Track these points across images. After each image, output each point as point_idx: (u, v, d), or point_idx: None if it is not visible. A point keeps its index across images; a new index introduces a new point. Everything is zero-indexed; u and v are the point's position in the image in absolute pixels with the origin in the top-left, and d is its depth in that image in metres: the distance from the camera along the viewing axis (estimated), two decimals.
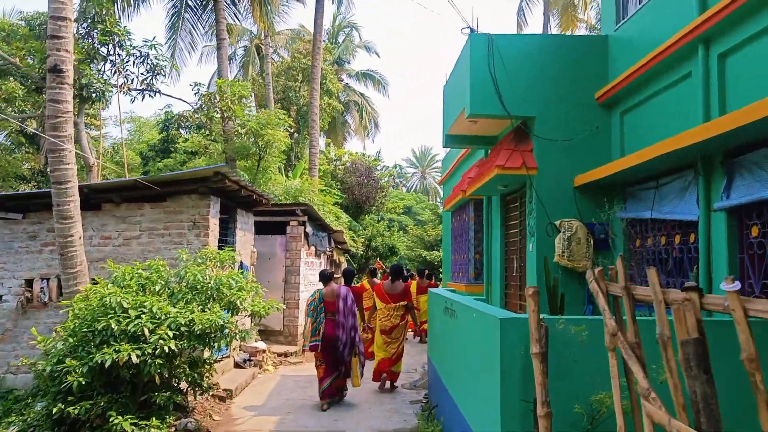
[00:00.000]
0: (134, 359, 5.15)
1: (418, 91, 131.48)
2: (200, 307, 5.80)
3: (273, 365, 10.16)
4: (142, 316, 5.46)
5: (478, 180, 9.22)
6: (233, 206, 9.42)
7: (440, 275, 26.55)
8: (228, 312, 6.11)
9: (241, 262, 9.52)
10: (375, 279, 11.68)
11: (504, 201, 9.94)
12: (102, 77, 11.65)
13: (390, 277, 9.19)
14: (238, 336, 6.10)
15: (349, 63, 44.68)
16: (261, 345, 9.96)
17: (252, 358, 9.63)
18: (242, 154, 17.17)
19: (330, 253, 14.04)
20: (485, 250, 10.60)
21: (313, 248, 12.55)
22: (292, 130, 25.66)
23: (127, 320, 5.40)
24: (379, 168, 27.00)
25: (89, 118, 21.47)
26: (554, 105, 8.03)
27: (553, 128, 7.99)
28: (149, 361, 5.25)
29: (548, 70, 8.11)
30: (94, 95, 11.39)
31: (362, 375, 8.29)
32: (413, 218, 40.80)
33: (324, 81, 28.08)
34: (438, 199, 53.96)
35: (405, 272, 10.44)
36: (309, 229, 12.04)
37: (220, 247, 8.38)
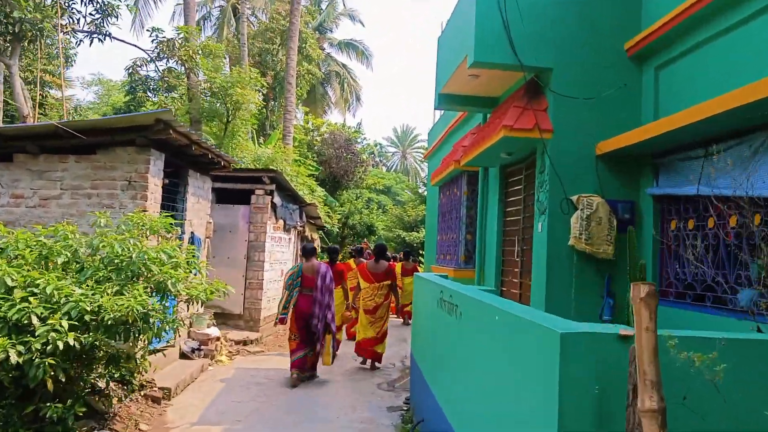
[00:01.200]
0: (13, 358, 3.73)
1: (402, 65, 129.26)
2: (116, 288, 4.37)
3: (228, 356, 8.78)
4: (31, 299, 4.03)
5: (477, 146, 7.88)
6: (185, 167, 7.96)
7: (421, 257, 25.42)
8: (157, 295, 4.69)
9: (192, 233, 8.09)
10: (362, 259, 11.10)
11: (504, 173, 8.63)
12: (41, 12, 9.95)
13: (374, 257, 9.08)
14: (169, 326, 4.70)
15: (331, 32, 42.81)
16: (214, 332, 8.57)
17: (202, 347, 8.25)
18: (208, 115, 15.60)
19: (301, 228, 12.63)
20: (479, 230, 9.32)
21: (281, 222, 11.13)
22: (265, 91, 23.99)
23: (9, 304, 3.97)
24: (359, 141, 25.47)
25: (50, 76, 19.60)
26: (575, 55, 6.69)
27: (573, 84, 6.66)
28: (36, 360, 3.83)
29: (569, 12, 6.76)
30: (29, 33, 9.72)
31: (335, 355, 8.38)
32: (393, 198, 39.61)
33: (304, 45, 26.38)
34: (418, 180, 52.51)
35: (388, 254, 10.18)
36: (277, 199, 10.61)
37: (165, 214, 6.93)
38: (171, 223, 5.56)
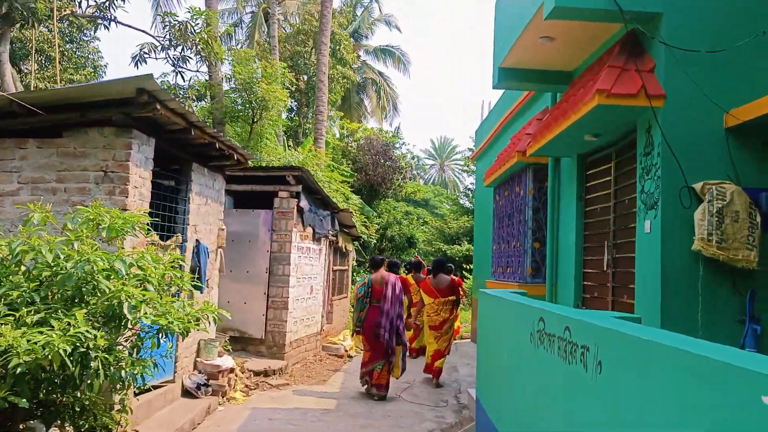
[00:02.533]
0: None
1: (441, 72, 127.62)
2: (39, 316, 2.89)
3: (244, 391, 7.29)
4: None
5: (551, 128, 6.24)
6: (188, 160, 6.55)
7: (462, 272, 23.68)
8: (107, 325, 3.19)
9: (197, 242, 6.65)
10: (420, 275, 10.97)
11: (583, 164, 6.96)
12: None
13: (433, 272, 9.21)
14: (128, 376, 3.20)
15: (366, 38, 41.73)
16: (227, 362, 7.09)
17: (211, 381, 6.77)
18: (233, 114, 14.32)
19: (334, 238, 11.13)
20: (549, 236, 7.64)
21: (309, 229, 9.64)
22: (297, 96, 22.75)
23: None
24: (398, 146, 23.94)
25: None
26: None
27: (691, 33, 5.00)
28: None
29: None
30: (20, 15, 8.56)
31: (404, 369, 8.28)
32: (431, 211, 38.00)
33: (337, 47, 25.13)
34: (458, 192, 50.43)
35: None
36: (304, 203, 9.13)
37: (156, 215, 5.52)
38: (148, 223, 4.07)
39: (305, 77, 24.59)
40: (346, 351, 10.89)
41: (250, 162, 7.94)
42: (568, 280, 7.14)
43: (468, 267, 24.97)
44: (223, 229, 7.55)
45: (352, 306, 16.29)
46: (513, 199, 8.74)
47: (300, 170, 8.75)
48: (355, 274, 17.36)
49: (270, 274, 8.83)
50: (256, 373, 8.01)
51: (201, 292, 6.70)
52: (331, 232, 10.74)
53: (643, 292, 5.06)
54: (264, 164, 12.26)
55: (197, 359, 6.94)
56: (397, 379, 8.14)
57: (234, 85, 14.37)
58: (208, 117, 14.24)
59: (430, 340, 8.93)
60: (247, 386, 7.51)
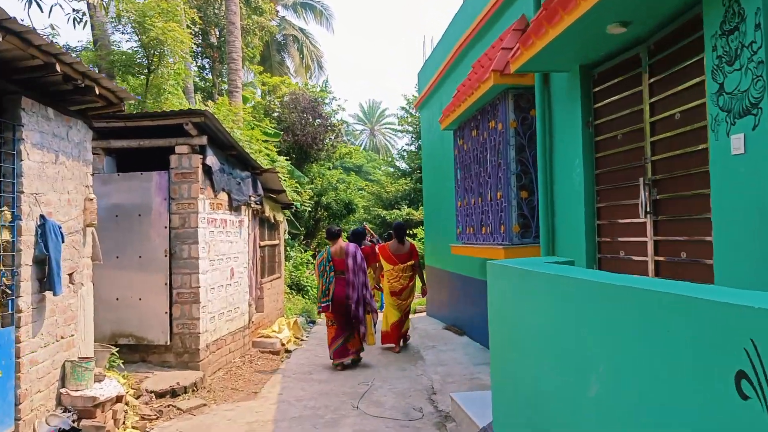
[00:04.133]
0: None
1: (369, 24, 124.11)
2: None
3: (139, 427, 5.22)
4: None
5: (554, 22, 4.39)
6: (15, 94, 4.34)
7: (413, 235, 22.10)
8: None
9: (42, 218, 4.48)
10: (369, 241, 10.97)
11: (588, 76, 5.19)
12: None
13: (394, 237, 9.19)
14: None
15: None
16: (109, 388, 5.01)
17: (84, 421, 4.68)
18: (125, 65, 11.79)
19: (258, 206, 9.03)
20: (542, 181, 5.90)
21: (224, 196, 7.55)
22: (204, 45, 20.08)
23: None
24: (327, 102, 21.66)
25: None
26: None
27: None
28: None
29: None
30: None
31: (375, 332, 8.34)
32: (365, 178, 36.17)
33: None
34: (391, 156, 48.52)
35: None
36: (212, 160, 7.01)
37: None
38: None
39: (217, 31, 21.86)
40: (283, 345, 8.94)
41: (134, 109, 5.75)
42: (573, 237, 5.42)
43: (411, 232, 23.39)
44: (92, 200, 5.36)
45: (290, 287, 14.36)
46: (485, 138, 6.92)
47: (203, 115, 6.59)
48: (289, 249, 15.29)
49: (172, 258, 6.71)
50: (160, 394, 5.95)
51: (56, 294, 4.56)
52: (253, 198, 8.64)
53: (733, 244, 3.34)
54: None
55: (62, 390, 4.83)
56: (371, 345, 8.18)
57: (122, 27, 11.82)
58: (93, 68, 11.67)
59: (391, 307, 8.89)
60: (145, 417, 5.45)
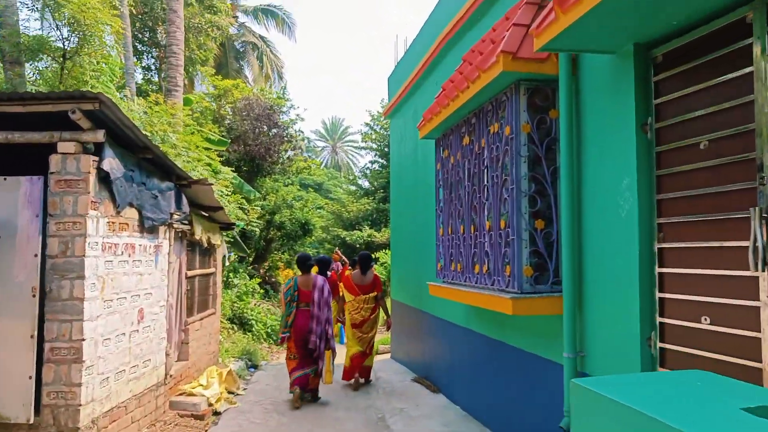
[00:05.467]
0: None
1: (333, 35, 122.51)
2: None
3: None
4: None
5: None
6: None
7: (375, 259, 20.50)
8: None
9: None
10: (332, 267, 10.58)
11: (647, 60, 3.63)
12: None
13: (359, 267, 8.73)
14: None
15: None
16: None
17: None
18: (33, 49, 9.86)
19: (185, 226, 7.21)
20: (567, 207, 4.28)
21: (132, 213, 5.73)
22: (147, 41, 18.09)
23: None
24: (284, 110, 19.80)
25: None
26: None
27: None
28: None
29: None
30: None
31: (334, 371, 8.06)
32: (324, 196, 34.54)
33: None
34: (352, 176, 47.06)
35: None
36: (113, 164, 5.21)
37: None
38: None
39: (163, 26, 19.92)
40: (211, 405, 7.08)
41: None
42: (614, 289, 3.84)
43: (374, 255, 21.71)
44: None
45: (231, 321, 12.45)
46: (483, 148, 5.31)
47: (97, 99, 4.79)
48: (232, 276, 13.37)
49: (45, 299, 4.85)
50: None
51: None
52: (177, 216, 6.82)
53: None
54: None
55: None
56: (328, 384, 7.93)
57: (32, 5, 9.91)
58: None
59: (351, 338, 8.58)
60: None
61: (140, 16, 20.08)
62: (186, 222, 7.41)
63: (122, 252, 5.61)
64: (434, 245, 7.20)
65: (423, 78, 9.01)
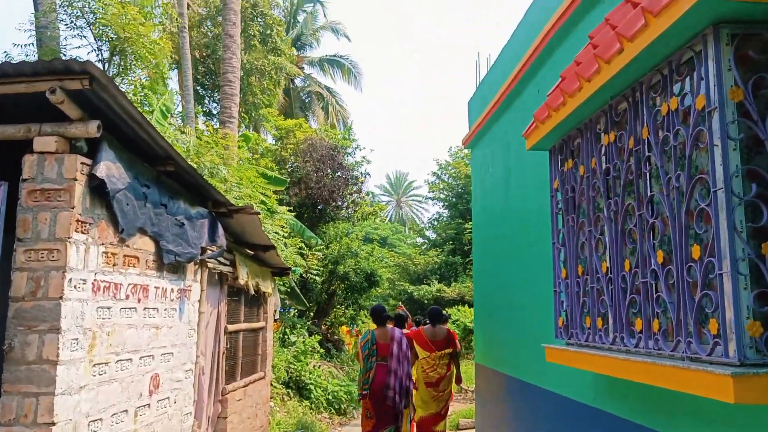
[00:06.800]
0: None
1: (399, 88, 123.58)
2: None
3: None
4: None
5: None
6: None
7: (447, 317, 18.63)
8: None
9: None
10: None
11: None
12: None
13: (429, 323, 8.56)
14: None
15: (311, 47, 37.33)
16: None
17: None
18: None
19: (226, 267, 5.71)
20: None
21: (145, 243, 4.24)
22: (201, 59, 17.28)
23: None
24: (350, 151, 18.49)
25: None
26: None
27: None
28: None
29: None
30: None
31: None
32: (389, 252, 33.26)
33: (268, 32, 19.97)
34: (418, 228, 45.73)
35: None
36: (110, 169, 3.77)
37: None
38: None
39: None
40: None
41: None
42: None
43: (445, 312, 19.84)
44: None
45: (286, 386, 10.80)
46: (641, 142, 3.56)
47: (87, 74, 3.38)
48: (289, 332, 11.81)
49: (5, 360, 3.35)
50: None
51: None
52: (210, 251, 5.33)
53: None
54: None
55: None
56: None
57: (71, 22, 8.95)
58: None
59: (426, 398, 8.29)
60: None
61: (203, 60, 19.58)
62: (226, 262, 5.92)
63: (128, 296, 4.11)
64: (546, 294, 5.40)
65: (517, 90, 7.39)
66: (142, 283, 4.29)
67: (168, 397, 4.74)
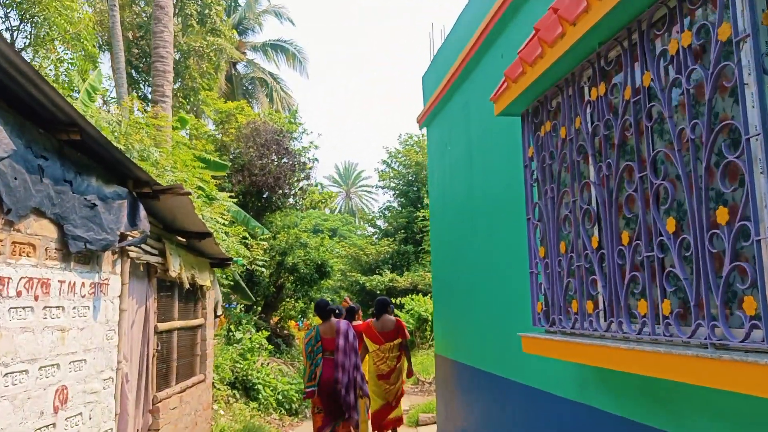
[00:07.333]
0: None
1: (347, 72, 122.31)
2: None
3: None
4: None
5: None
6: None
7: (400, 306, 18.27)
8: None
9: None
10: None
11: None
12: None
13: (376, 314, 8.37)
14: None
15: (253, 31, 36.10)
16: None
17: None
18: None
19: (154, 257, 4.93)
20: None
21: (45, 227, 3.45)
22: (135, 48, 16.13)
23: None
24: (297, 136, 17.57)
25: None
26: None
27: None
28: None
29: None
30: None
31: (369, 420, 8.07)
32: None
33: (206, 11, 18.88)
34: (369, 218, 45.18)
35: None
36: None
37: None
38: None
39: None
40: None
41: None
42: None
43: (398, 301, 19.38)
44: None
45: (232, 386, 10.01)
46: (642, 90, 3.01)
47: None
48: (234, 329, 11.02)
49: None
50: None
51: None
52: (132, 235, 4.55)
53: None
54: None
55: None
56: None
57: None
58: None
59: (378, 391, 8.08)
60: None
61: (136, 41, 18.35)
62: (155, 251, 5.15)
63: (20, 292, 3.32)
64: (518, 277, 4.87)
65: (476, 58, 6.82)
66: (40, 277, 3.50)
67: (80, 413, 3.96)
